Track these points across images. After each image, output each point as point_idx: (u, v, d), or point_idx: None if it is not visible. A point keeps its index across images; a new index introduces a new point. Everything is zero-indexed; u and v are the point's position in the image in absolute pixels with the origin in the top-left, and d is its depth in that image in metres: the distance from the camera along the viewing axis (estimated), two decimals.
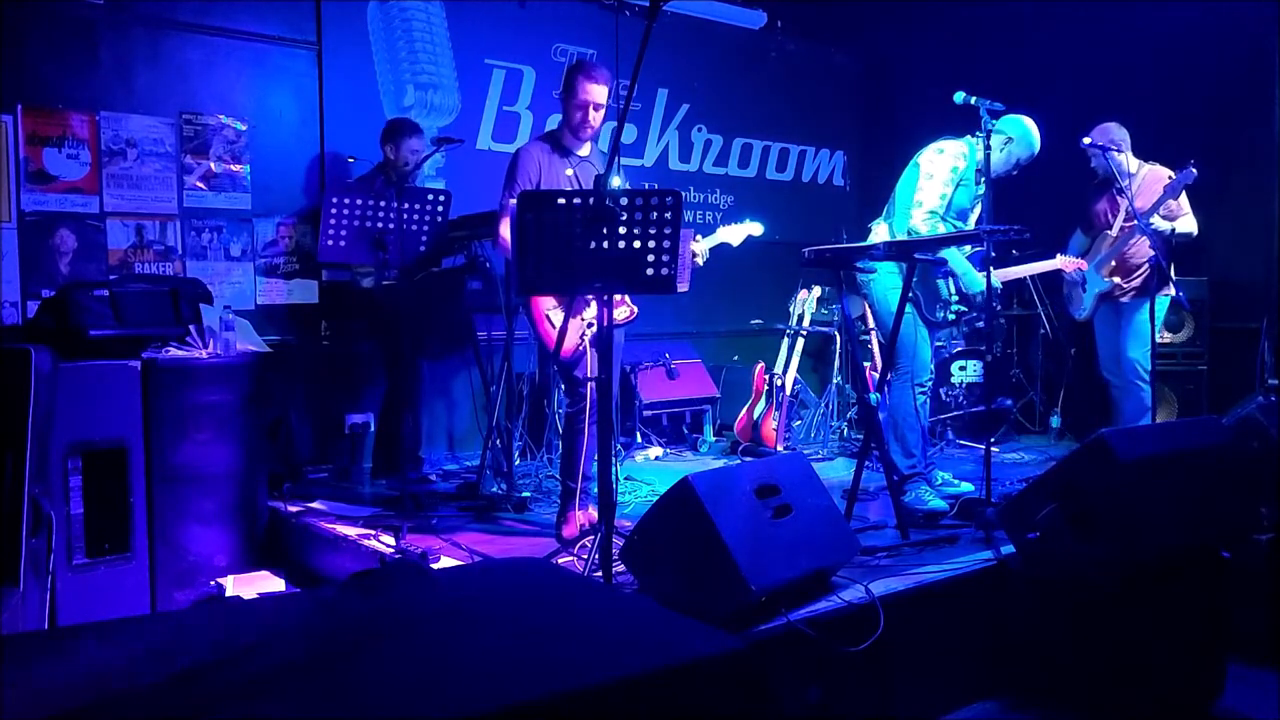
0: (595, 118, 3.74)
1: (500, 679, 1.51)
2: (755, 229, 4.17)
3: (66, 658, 1.64)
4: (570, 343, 3.58)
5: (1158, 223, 4.64)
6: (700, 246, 4.07)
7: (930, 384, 4.23)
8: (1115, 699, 3.04)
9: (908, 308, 4.07)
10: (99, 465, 3.73)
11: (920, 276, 4.10)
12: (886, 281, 4.13)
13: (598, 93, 3.70)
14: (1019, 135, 4.22)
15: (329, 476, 4.96)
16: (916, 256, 3.83)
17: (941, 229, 4.10)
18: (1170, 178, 4.60)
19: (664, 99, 6.62)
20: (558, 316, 3.63)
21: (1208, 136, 5.65)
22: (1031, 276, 6.33)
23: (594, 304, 3.65)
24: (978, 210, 4.29)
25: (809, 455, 5.10)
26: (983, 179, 4.10)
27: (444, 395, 5.57)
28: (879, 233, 4.29)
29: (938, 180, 4.12)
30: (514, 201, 3.51)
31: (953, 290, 4.16)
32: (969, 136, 4.22)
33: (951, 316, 4.21)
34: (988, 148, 4.09)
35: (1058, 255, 5.07)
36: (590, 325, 3.61)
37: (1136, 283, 4.84)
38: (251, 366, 4.14)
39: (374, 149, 5.02)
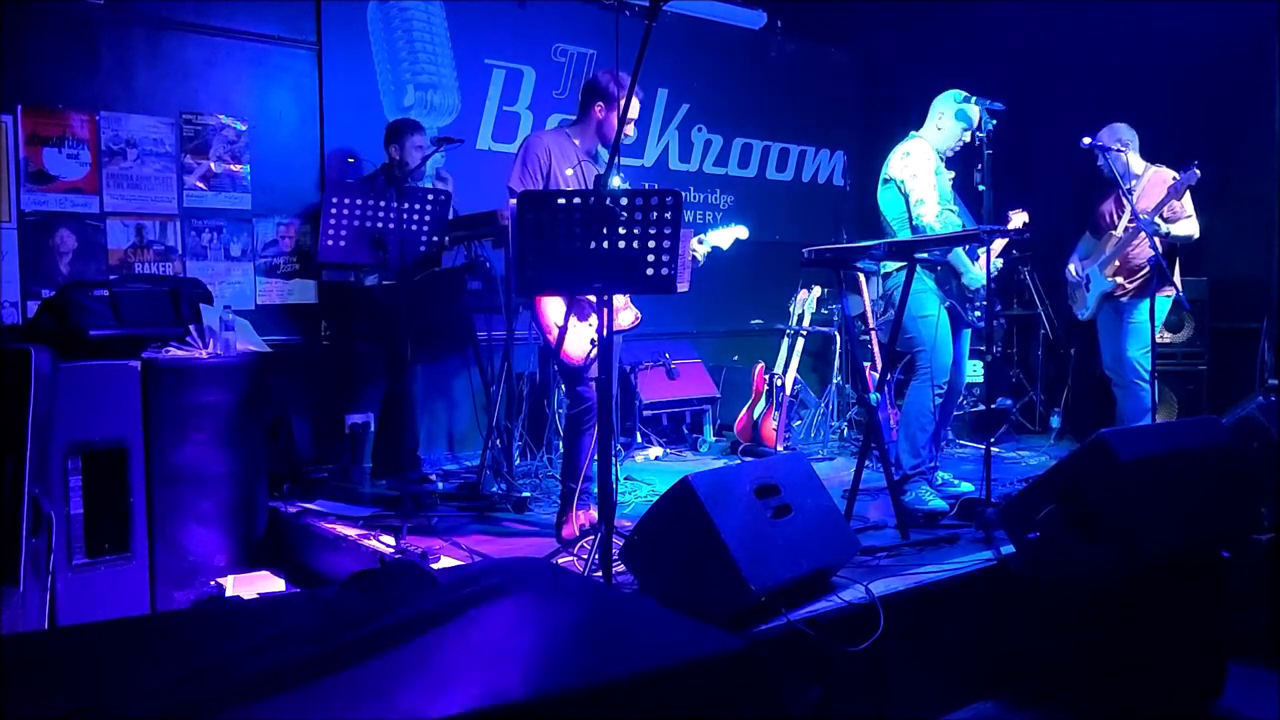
0: None
1: (500, 679, 1.51)
2: (741, 233, 4.20)
3: (66, 658, 1.64)
4: (580, 349, 3.58)
5: (1158, 224, 4.64)
6: (700, 250, 4.07)
7: (947, 387, 4.22)
8: (1115, 699, 3.04)
9: (942, 311, 4.10)
10: (99, 465, 3.72)
11: (953, 279, 4.19)
12: (916, 285, 4.13)
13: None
14: (951, 109, 4.29)
15: (329, 476, 4.96)
16: (917, 256, 3.84)
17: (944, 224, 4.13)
18: (1174, 178, 4.59)
19: (664, 99, 6.62)
20: (572, 324, 3.63)
21: (1208, 136, 5.65)
22: (1032, 276, 6.36)
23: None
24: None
25: (809, 455, 5.10)
26: (980, 169, 4.13)
27: (444, 395, 5.57)
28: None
29: (923, 176, 4.17)
30: (513, 202, 3.51)
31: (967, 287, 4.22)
32: (915, 132, 4.32)
33: (978, 313, 4.24)
34: (989, 149, 4.10)
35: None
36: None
37: (1138, 283, 4.83)
38: (251, 366, 4.13)
39: (374, 149, 5.02)
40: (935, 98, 4.32)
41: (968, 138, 4.26)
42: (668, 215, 2.80)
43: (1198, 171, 4.48)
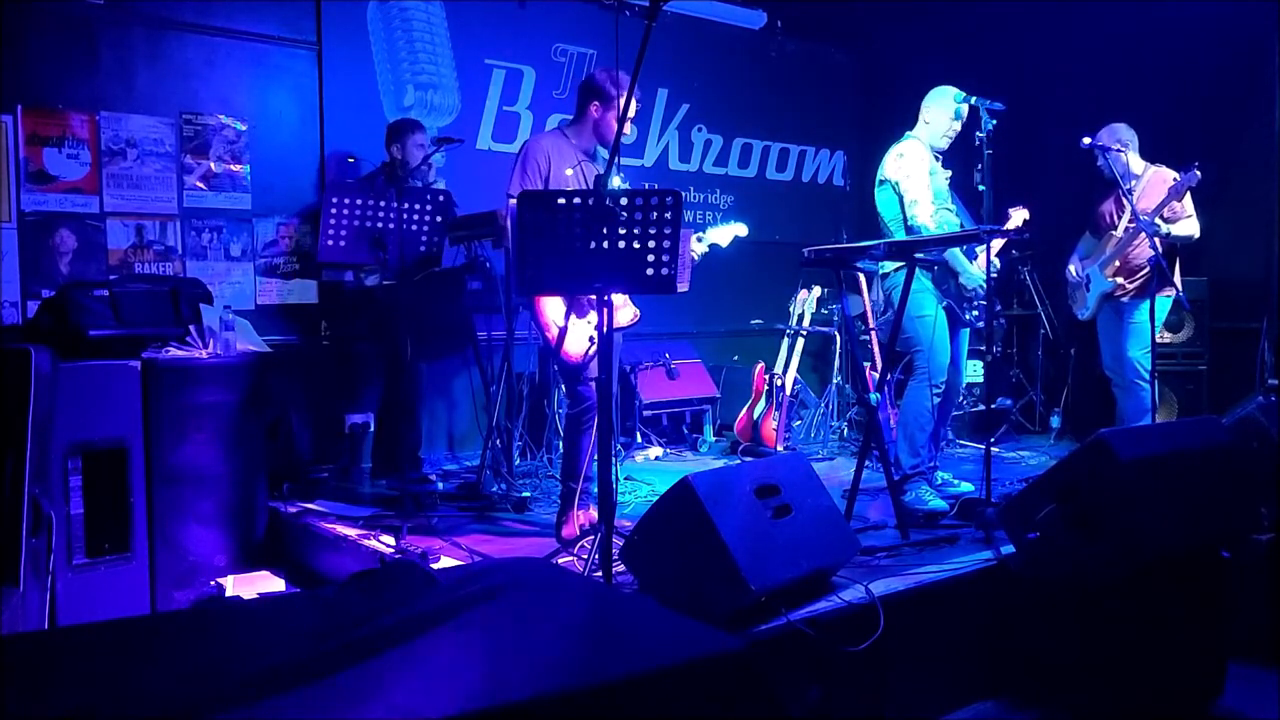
0: None
1: (499, 678, 1.51)
2: (741, 230, 4.22)
3: (66, 658, 1.64)
4: (580, 348, 3.57)
5: (1158, 224, 4.64)
6: (699, 248, 4.08)
7: (944, 387, 4.22)
8: (1115, 699, 3.04)
9: (939, 311, 4.10)
10: (99, 465, 3.72)
11: (950, 278, 4.20)
12: (914, 284, 4.13)
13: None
14: (937, 102, 4.29)
15: (329, 476, 4.96)
16: (916, 256, 3.84)
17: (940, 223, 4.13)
18: (1175, 179, 4.59)
19: (664, 99, 6.62)
20: (571, 321, 3.63)
21: (1208, 136, 5.65)
22: (1032, 276, 6.36)
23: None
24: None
25: (809, 455, 5.10)
26: (980, 169, 4.13)
27: (444, 395, 5.57)
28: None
29: (916, 177, 4.18)
30: (513, 201, 3.51)
31: (964, 287, 4.23)
32: (909, 133, 4.32)
33: (975, 313, 4.25)
34: (989, 149, 4.09)
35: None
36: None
37: (1139, 283, 4.83)
38: (251, 366, 4.13)
39: (374, 149, 5.01)
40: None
41: (958, 127, 4.26)
42: (668, 215, 2.80)
43: (1198, 173, 4.47)
